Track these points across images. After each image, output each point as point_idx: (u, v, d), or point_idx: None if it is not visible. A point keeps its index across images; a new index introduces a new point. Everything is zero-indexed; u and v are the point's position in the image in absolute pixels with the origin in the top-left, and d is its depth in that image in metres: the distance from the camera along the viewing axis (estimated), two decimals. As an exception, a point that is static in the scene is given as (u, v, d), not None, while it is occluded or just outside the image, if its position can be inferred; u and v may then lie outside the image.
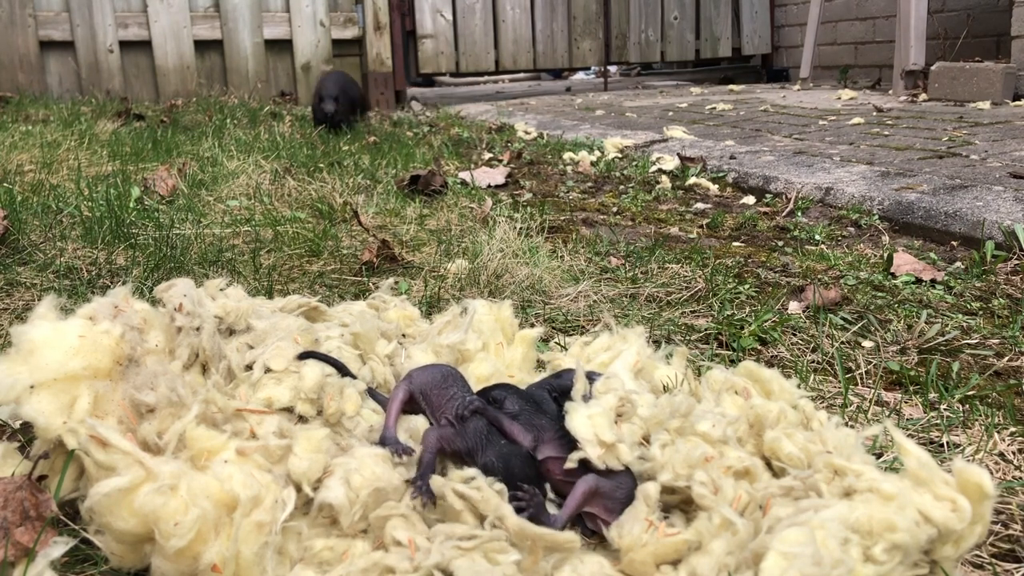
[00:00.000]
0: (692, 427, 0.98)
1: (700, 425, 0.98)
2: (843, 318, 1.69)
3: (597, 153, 3.96)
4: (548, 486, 1.00)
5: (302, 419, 1.03)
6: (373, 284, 1.89)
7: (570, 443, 0.99)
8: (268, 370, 1.07)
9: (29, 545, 0.83)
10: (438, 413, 1.06)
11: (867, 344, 1.58)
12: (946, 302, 1.82)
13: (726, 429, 0.98)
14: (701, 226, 2.59)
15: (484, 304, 1.36)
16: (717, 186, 3.23)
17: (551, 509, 0.94)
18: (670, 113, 5.55)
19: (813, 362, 1.50)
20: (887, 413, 1.29)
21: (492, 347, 1.31)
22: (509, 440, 0.99)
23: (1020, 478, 1.10)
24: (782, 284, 1.95)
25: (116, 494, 0.82)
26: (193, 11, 6.28)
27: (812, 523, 0.79)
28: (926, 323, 1.65)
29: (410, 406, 1.10)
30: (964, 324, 1.66)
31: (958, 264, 2.11)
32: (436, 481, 0.91)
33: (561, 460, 0.97)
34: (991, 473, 1.11)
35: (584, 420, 0.97)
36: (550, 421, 1.03)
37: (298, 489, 0.92)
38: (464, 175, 3.28)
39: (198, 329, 1.09)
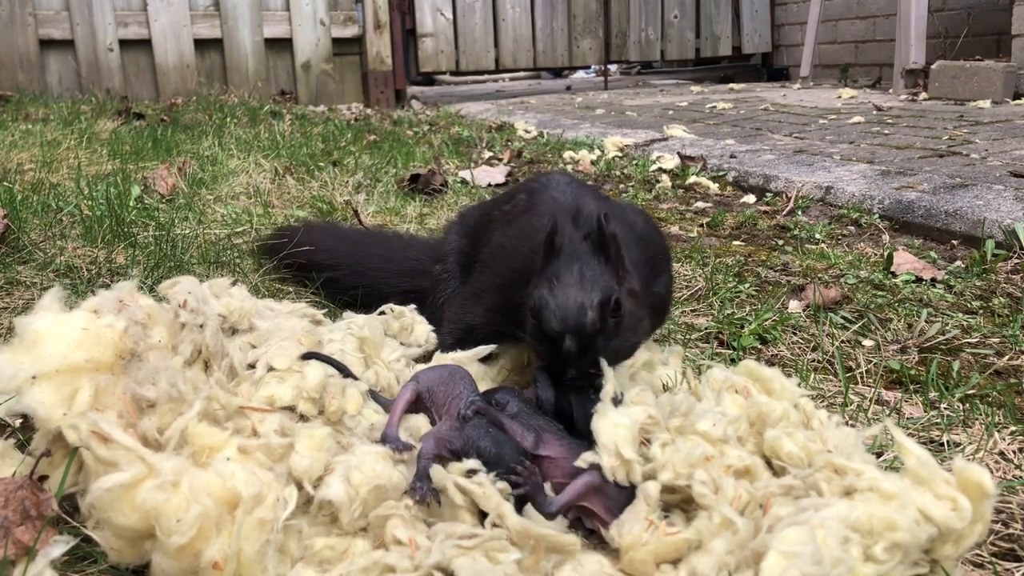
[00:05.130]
0: (692, 426, 0.98)
1: (700, 424, 0.98)
2: (843, 317, 1.69)
3: (597, 152, 3.96)
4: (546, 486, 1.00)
5: (304, 418, 1.03)
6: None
7: (568, 444, 0.99)
8: (271, 368, 1.08)
9: (29, 544, 0.83)
10: (442, 411, 1.06)
11: (867, 343, 1.58)
12: (946, 301, 1.82)
13: (726, 428, 0.98)
14: (701, 225, 2.59)
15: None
16: (717, 185, 3.23)
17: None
18: (670, 112, 5.54)
19: (813, 361, 1.50)
20: (887, 412, 1.29)
21: (492, 346, 1.30)
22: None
23: (1020, 477, 1.10)
24: (782, 283, 1.95)
25: (117, 489, 0.82)
26: (193, 10, 6.27)
27: (812, 522, 0.79)
28: (926, 322, 1.65)
29: (416, 406, 1.09)
30: (964, 323, 1.66)
31: (958, 263, 2.11)
32: (438, 473, 0.91)
33: (557, 460, 0.97)
34: (991, 472, 1.11)
35: (611, 427, 0.96)
36: (548, 422, 1.03)
37: (299, 487, 0.92)
38: (464, 174, 3.28)
39: (202, 326, 1.09)
